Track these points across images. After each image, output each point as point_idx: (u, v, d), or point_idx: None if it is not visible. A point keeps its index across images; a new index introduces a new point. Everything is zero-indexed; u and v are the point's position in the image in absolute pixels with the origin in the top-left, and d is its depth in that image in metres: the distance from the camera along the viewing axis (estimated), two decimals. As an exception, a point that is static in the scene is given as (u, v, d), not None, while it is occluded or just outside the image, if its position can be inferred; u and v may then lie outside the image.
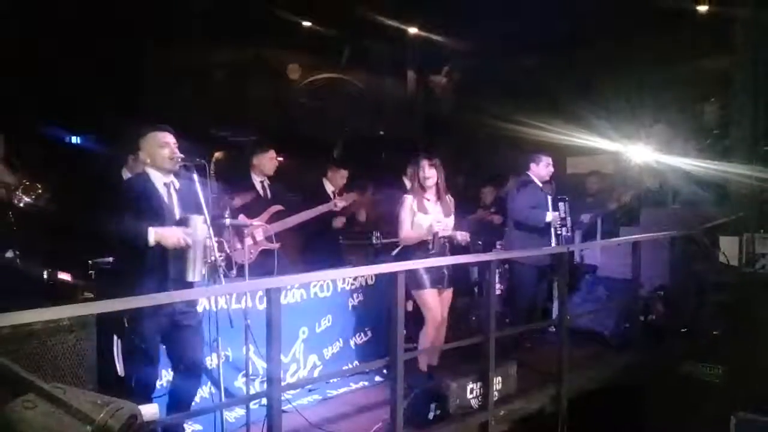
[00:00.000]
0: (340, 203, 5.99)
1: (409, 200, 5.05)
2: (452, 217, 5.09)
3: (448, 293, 5.10)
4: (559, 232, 6.16)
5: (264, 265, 4.90)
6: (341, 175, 6.48)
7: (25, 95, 7.09)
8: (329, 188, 6.41)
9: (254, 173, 5.74)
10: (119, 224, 3.59)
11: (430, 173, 5.04)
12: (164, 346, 3.85)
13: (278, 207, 5.61)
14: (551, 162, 6.28)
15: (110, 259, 4.47)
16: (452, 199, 5.18)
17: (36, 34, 7.29)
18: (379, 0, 9.09)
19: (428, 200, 5.07)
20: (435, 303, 4.97)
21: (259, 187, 5.75)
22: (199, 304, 4.12)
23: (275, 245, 5.04)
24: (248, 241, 5.33)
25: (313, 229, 6.01)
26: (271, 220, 5.50)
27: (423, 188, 5.08)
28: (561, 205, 6.20)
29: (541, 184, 6.26)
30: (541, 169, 6.23)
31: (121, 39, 7.97)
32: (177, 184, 3.84)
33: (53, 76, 7.45)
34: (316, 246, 6.24)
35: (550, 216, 6.08)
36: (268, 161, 5.74)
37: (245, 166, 5.86)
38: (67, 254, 4.74)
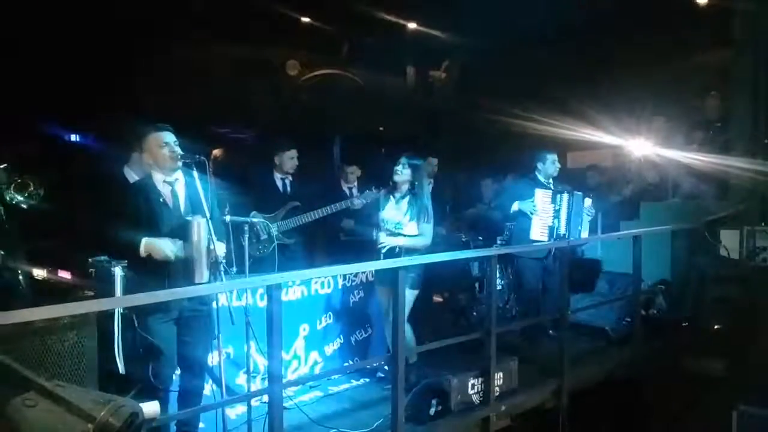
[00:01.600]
0: (357, 202, 5.96)
1: (381, 196, 5.11)
2: (406, 217, 4.93)
3: (412, 294, 4.87)
4: (551, 225, 6.14)
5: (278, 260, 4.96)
6: (350, 171, 6.57)
7: (24, 95, 7.07)
8: (345, 186, 6.50)
9: (276, 171, 5.84)
10: (115, 231, 3.60)
11: (400, 171, 4.97)
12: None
13: (295, 203, 5.68)
14: (557, 158, 6.30)
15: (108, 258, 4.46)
16: (427, 206, 4.98)
17: (37, 33, 7.27)
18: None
19: (393, 197, 5.04)
20: (382, 300, 4.97)
21: (279, 184, 5.89)
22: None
23: (290, 241, 5.10)
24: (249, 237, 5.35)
25: (321, 229, 6.05)
26: (288, 216, 5.57)
27: (394, 185, 5.04)
28: (558, 197, 6.18)
29: (544, 181, 6.25)
30: (548, 167, 6.25)
31: (120, 37, 7.96)
32: (183, 182, 3.83)
33: (53, 76, 7.43)
34: (325, 244, 6.31)
35: (516, 206, 6.13)
36: (288, 160, 5.87)
37: (252, 162, 5.95)
38: (67, 252, 4.73)
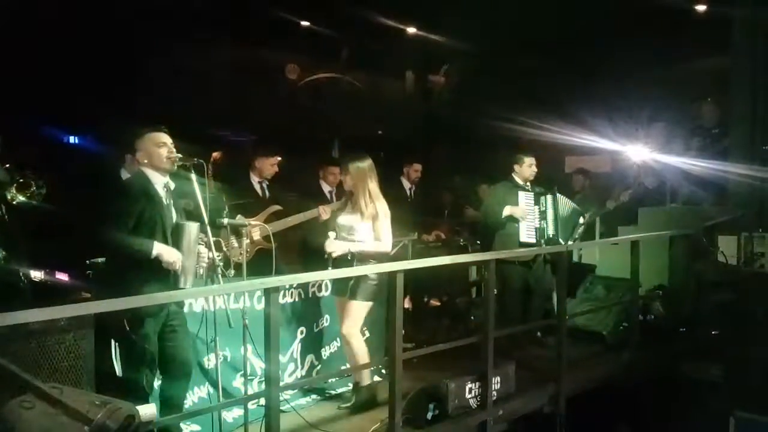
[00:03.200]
0: (324, 215, 5.61)
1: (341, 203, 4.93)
2: (357, 221, 4.67)
3: (364, 307, 4.65)
4: (537, 226, 6.20)
5: (260, 264, 4.88)
6: (332, 173, 6.33)
7: (24, 95, 7.07)
8: (326, 188, 6.38)
9: (253, 174, 5.78)
10: (124, 234, 3.59)
11: (344, 180, 4.75)
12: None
13: (276, 207, 5.63)
14: (534, 162, 6.35)
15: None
16: (373, 207, 4.66)
17: (36, 34, 7.28)
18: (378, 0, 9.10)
19: (350, 203, 4.77)
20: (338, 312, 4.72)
21: (257, 187, 5.80)
22: (197, 304, 4.12)
23: (269, 245, 5.05)
24: (245, 240, 5.32)
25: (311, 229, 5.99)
26: (269, 220, 5.50)
27: (350, 193, 4.79)
28: (542, 198, 6.25)
29: (522, 183, 6.29)
30: (524, 170, 6.32)
31: (120, 38, 7.96)
32: (172, 185, 3.83)
33: (53, 76, 7.43)
34: (315, 246, 6.23)
35: (508, 210, 6.16)
36: (269, 166, 5.79)
37: (244, 166, 5.89)
38: (64, 254, 4.73)
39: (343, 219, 4.75)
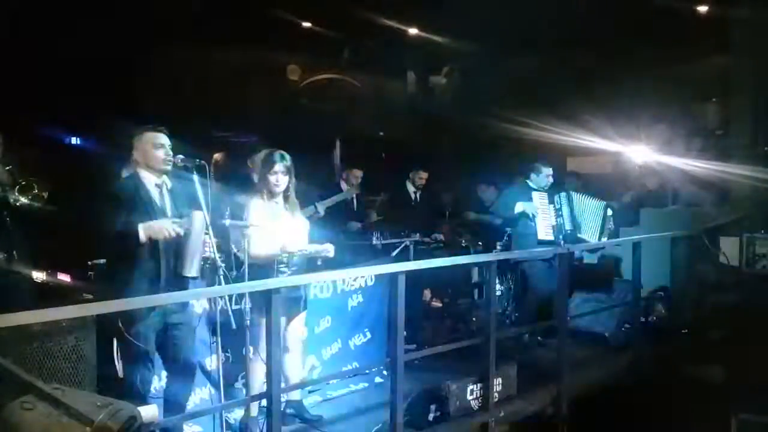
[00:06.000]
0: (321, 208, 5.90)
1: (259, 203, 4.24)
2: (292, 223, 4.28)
3: (302, 316, 4.40)
4: (553, 223, 6.31)
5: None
6: (355, 175, 6.62)
7: (24, 95, 7.07)
8: (345, 188, 6.56)
9: None
10: (109, 225, 3.56)
11: (282, 180, 4.21)
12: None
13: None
14: (551, 173, 6.47)
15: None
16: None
17: (36, 34, 7.28)
18: (379, 0, 9.10)
19: (276, 202, 4.28)
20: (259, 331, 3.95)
21: None
22: (199, 305, 4.10)
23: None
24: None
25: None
26: None
27: (271, 192, 4.25)
28: (556, 197, 6.38)
29: (537, 189, 6.38)
30: (541, 180, 6.45)
31: (120, 39, 7.96)
32: (169, 185, 3.80)
33: (53, 76, 7.43)
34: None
35: (520, 206, 6.25)
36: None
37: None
38: (67, 255, 4.73)
39: (281, 221, 4.25)
